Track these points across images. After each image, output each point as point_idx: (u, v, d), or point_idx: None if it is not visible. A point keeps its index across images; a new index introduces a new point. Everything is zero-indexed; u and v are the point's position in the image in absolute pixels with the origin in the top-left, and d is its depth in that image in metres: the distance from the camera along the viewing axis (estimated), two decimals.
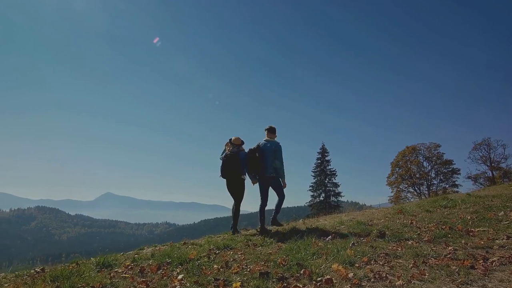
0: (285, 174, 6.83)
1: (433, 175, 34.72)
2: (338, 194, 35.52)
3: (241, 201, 6.93)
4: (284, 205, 7.17)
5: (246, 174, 6.89)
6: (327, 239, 5.03)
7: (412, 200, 34.29)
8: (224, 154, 6.81)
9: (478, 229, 5.01)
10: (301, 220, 8.72)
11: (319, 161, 36.57)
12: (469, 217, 6.04)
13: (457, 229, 5.05)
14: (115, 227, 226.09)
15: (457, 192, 29.97)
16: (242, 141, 7.01)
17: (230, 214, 7.17)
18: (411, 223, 6.04)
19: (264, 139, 7.00)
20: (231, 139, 6.98)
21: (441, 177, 34.15)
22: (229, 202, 7.03)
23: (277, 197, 6.92)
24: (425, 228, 5.44)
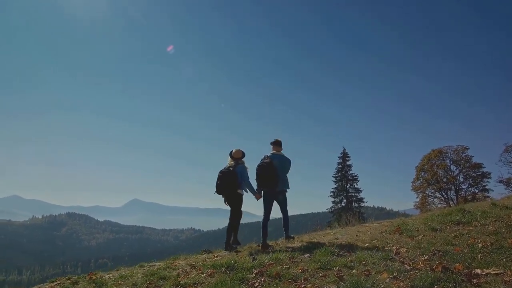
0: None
1: (461, 180, 31.78)
2: (361, 200, 34.12)
3: (240, 217, 6.78)
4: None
5: (244, 189, 6.66)
6: (256, 283, 3.45)
7: (439, 205, 32.06)
8: (220, 170, 6.64)
9: (487, 271, 3.25)
10: (280, 239, 7.22)
11: (340, 166, 35.15)
12: (481, 245, 4.26)
13: (454, 270, 3.32)
14: (142, 233, 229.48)
15: (488, 197, 27.35)
16: (243, 153, 6.81)
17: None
18: (397, 253, 4.34)
19: (271, 152, 6.75)
20: (231, 151, 6.79)
21: (470, 182, 31.23)
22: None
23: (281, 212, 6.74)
24: (410, 265, 3.73)
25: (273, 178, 6.35)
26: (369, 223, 9.64)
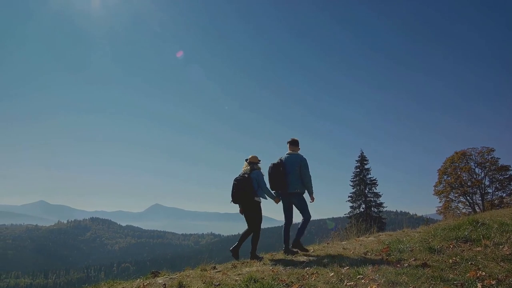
0: (313, 188, 6.31)
1: (487, 183, 30.07)
2: (380, 204, 32.62)
3: (259, 227, 6.35)
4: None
5: (262, 195, 6.35)
6: None
7: (464, 210, 30.23)
8: (235, 178, 6.41)
9: None
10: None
11: (358, 169, 33.82)
12: (481, 285, 2.92)
13: None
14: (163, 238, 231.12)
15: None
16: (258, 160, 6.60)
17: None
18: None
19: (287, 152, 6.56)
20: (247, 159, 6.57)
21: (497, 185, 29.34)
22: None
23: (301, 216, 6.33)
24: None
25: (280, 179, 6.18)
26: (366, 235, 8.43)
